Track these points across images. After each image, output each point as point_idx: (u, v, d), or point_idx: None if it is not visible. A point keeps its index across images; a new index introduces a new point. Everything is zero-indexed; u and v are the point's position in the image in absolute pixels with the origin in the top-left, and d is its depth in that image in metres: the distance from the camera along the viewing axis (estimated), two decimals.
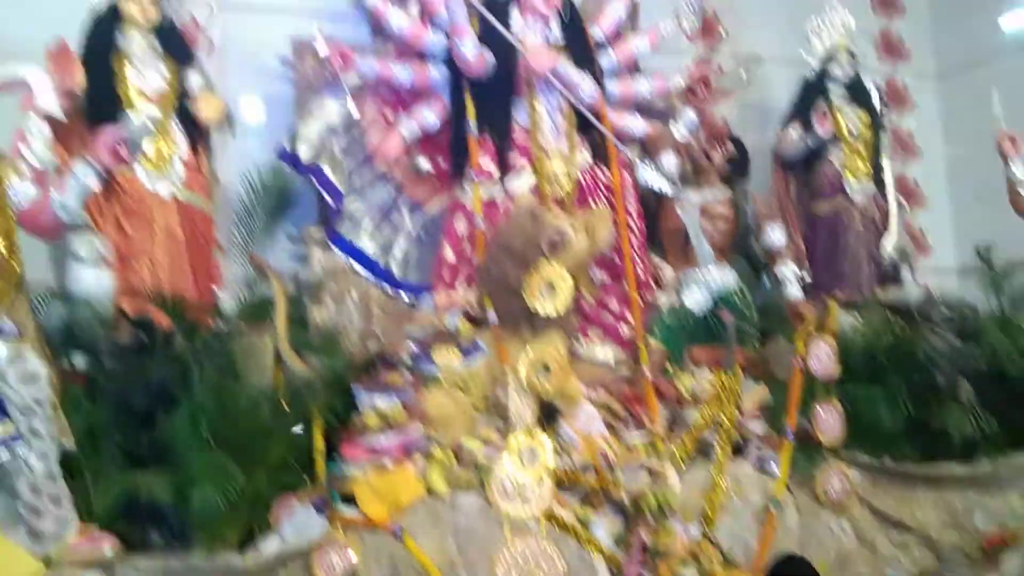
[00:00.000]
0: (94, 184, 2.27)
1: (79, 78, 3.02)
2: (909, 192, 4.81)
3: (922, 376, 3.49)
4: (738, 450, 3.42)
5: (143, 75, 3.22)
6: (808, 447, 3.39)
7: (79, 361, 2.82)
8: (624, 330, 3.73)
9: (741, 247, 3.99)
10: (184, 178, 3.26)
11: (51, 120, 2.46)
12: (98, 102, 3.10)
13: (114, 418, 2.56)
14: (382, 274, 3.68)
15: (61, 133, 2.92)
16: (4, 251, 2.22)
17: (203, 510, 2.50)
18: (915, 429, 3.48)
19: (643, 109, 4.19)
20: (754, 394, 3.62)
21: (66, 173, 2.32)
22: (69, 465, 2.39)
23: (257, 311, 3.32)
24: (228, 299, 3.40)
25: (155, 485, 2.48)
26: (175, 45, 3.36)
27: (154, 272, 3.14)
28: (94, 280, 2.97)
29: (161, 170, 3.19)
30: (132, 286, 3.07)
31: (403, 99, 3.75)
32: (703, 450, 3.42)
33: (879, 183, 4.35)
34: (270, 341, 3.16)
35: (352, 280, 3.63)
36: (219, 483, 2.51)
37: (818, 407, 3.39)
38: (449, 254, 3.65)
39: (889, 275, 4.29)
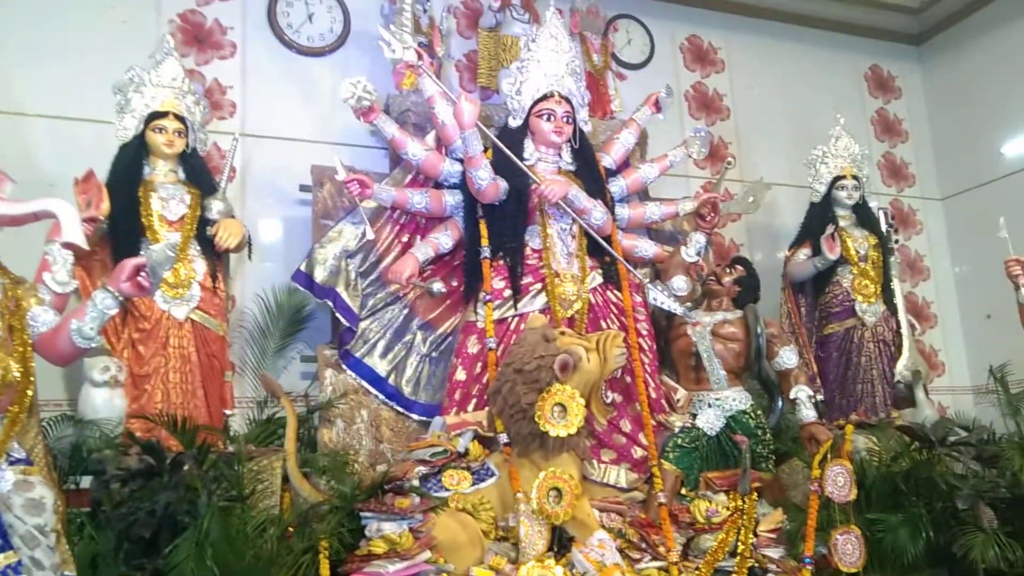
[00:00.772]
0: (114, 312, 2.31)
1: (105, 206, 3.14)
2: (920, 312, 4.83)
3: (942, 502, 3.42)
4: None
5: (166, 203, 3.34)
6: (827, 575, 3.29)
7: (85, 484, 2.82)
8: (637, 452, 3.69)
9: (753, 369, 3.98)
10: (200, 300, 3.32)
11: (74, 247, 2.52)
12: (122, 229, 3.21)
13: (119, 546, 2.52)
14: (392, 394, 3.68)
15: (83, 257, 3.01)
16: (19, 376, 2.24)
17: None
18: (937, 556, 3.38)
19: (653, 233, 4.28)
20: (770, 519, 3.54)
21: (86, 301, 2.36)
22: None
23: (267, 432, 3.33)
24: (239, 420, 3.41)
25: None
26: (198, 173, 3.49)
27: (166, 394, 3.17)
28: (106, 402, 2.99)
29: (178, 294, 3.26)
30: (143, 408, 3.09)
31: (419, 224, 3.85)
32: None
33: (889, 304, 4.37)
34: (279, 463, 3.15)
35: (363, 400, 3.63)
36: None
37: (836, 533, 3.31)
38: (461, 374, 3.66)
39: (902, 396, 4.25)
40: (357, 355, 3.66)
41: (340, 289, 3.65)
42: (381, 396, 3.66)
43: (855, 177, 4.52)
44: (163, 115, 3.38)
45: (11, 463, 2.22)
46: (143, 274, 2.34)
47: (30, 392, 2.31)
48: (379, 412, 3.65)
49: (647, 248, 4.13)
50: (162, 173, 3.42)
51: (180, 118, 3.42)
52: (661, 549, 3.39)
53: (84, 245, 2.55)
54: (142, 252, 3.01)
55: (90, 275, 3.17)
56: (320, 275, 3.64)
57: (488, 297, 3.66)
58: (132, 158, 3.37)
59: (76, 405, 3.07)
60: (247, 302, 3.74)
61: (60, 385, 3.33)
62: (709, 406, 3.83)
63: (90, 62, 3.77)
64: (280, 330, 3.67)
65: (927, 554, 3.36)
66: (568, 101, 3.81)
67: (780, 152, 5.14)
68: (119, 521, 2.56)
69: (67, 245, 2.48)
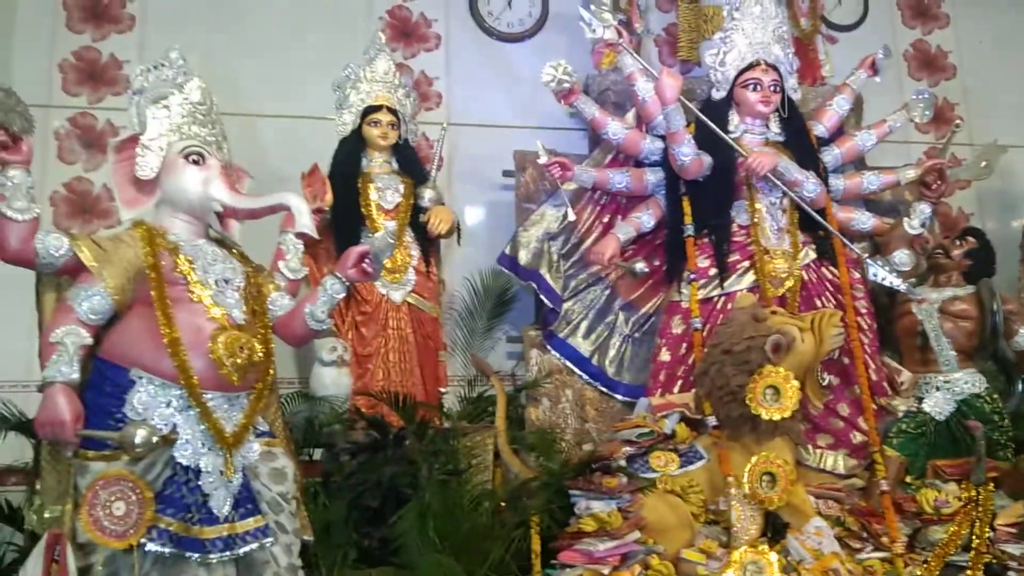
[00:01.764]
0: (342, 296, 2.48)
1: (329, 198, 3.36)
2: None
3: None
4: (992, 574, 3.07)
5: (383, 193, 3.53)
6: None
7: (317, 456, 3.05)
8: (856, 437, 3.50)
9: (988, 349, 3.66)
10: (415, 284, 3.49)
11: (305, 236, 2.72)
12: (344, 218, 3.44)
13: (348, 514, 2.71)
14: (596, 374, 3.71)
15: (310, 246, 3.24)
16: (263, 356, 2.45)
17: None
18: None
19: (871, 204, 4.02)
20: (1010, 511, 3.25)
21: (317, 286, 2.55)
22: (307, 557, 2.55)
23: (478, 410, 3.45)
24: (452, 398, 3.56)
25: None
26: (410, 163, 3.67)
27: (387, 373, 3.36)
28: (334, 380, 3.22)
29: (396, 278, 3.44)
30: (367, 386, 3.30)
31: (620, 204, 3.83)
32: (951, 573, 3.11)
33: None
34: (490, 440, 3.26)
35: (567, 380, 3.68)
36: None
37: None
38: (665, 355, 3.61)
39: None
40: (561, 335, 3.71)
41: (543, 271, 3.71)
42: (585, 376, 3.69)
43: None
44: (377, 109, 3.58)
45: (257, 435, 2.44)
46: (367, 261, 2.49)
47: (272, 371, 2.52)
48: (583, 392, 3.69)
49: (865, 220, 3.88)
50: (378, 164, 3.62)
51: (393, 111, 3.60)
52: (884, 539, 3.20)
53: (314, 235, 2.75)
54: (363, 240, 3.22)
55: (316, 262, 3.41)
56: (524, 258, 3.71)
57: (693, 276, 3.58)
58: (351, 151, 3.59)
59: (307, 383, 3.32)
60: (456, 285, 3.88)
61: (292, 364, 3.61)
62: (937, 389, 3.56)
63: (311, 63, 4.04)
64: (487, 312, 3.78)
65: None
66: (775, 69, 3.64)
67: (1015, 111, 4.66)
68: (349, 491, 2.75)
69: (299, 235, 2.68)
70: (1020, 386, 3.68)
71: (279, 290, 2.62)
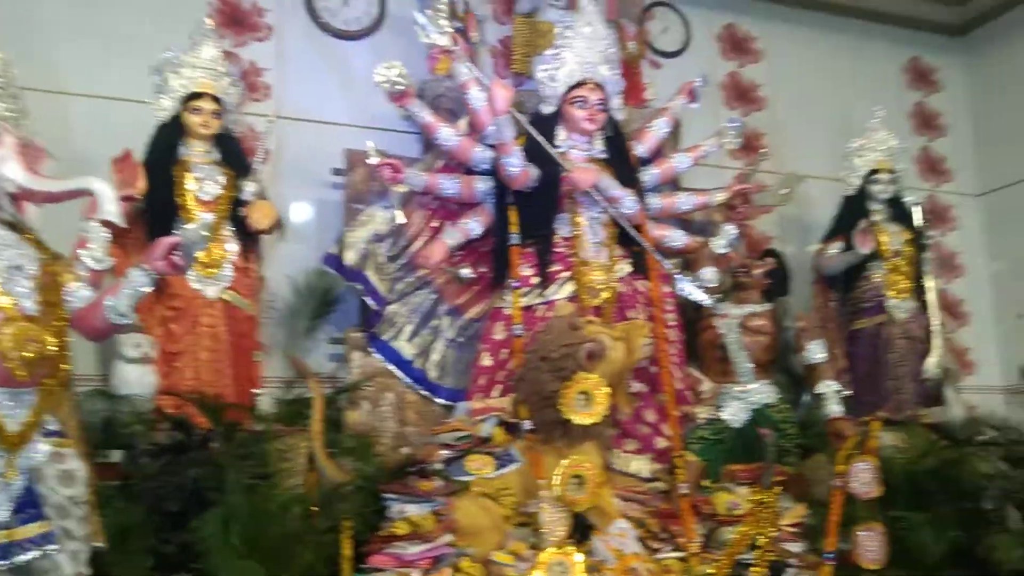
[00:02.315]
0: (148, 290, 2.36)
1: (141, 185, 3.19)
2: (952, 310, 4.77)
3: (968, 501, 3.40)
4: (775, 571, 3.32)
5: (201, 183, 3.39)
6: (848, 571, 3.28)
7: (116, 457, 2.88)
8: (660, 443, 3.69)
9: (781, 362, 3.96)
10: (232, 280, 3.37)
11: (111, 224, 2.57)
12: (157, 208, 3.27)
13: (147, 519, 2.59)
14: (418, 377, 3.72)
15: (119, 235, 3.06)
16: (55, 350, 2.29)
17: None
18: (960, 556, 3.36)
19: (683, 223, 4.26)
20: (793, 513, 3.53)
21: (121, 278, 2.41)
22: (99, 565, 2.41)
23: (294, 412, 3.37)
24: (267, 400, 3.46)
25: None
26: (233, 154, 3.54)
27: (196, 372, 3.22)
28: (137, 378, 3.05)
29: (211, 273, 3.31)
30: (174, 385, 3.15)
31: (449, 209, 3.86)
32: (739, 571, 3.34)
33: (921, 300, 4.32)
34: (305, 443, 3.20)
35: (389, 383, 3.67)
36: None
37: (859, 530, 3.29)
38: (487, 360, 3.68)
39: (932, 394, 4.21)
40: (384, 338, 3.69)
41: (369, 272, 3.68)
42: (407, 379, 3.70)
43: (891, 171, 4.47)
44: (200, 96, 3.43)
45: (46, 435, 2.28)
46: (177, 253, 2.38)
47: (65, 366, 2.36)
48: (405, 395, 3.69)
49: (677, 238, 4.11)
50: (197, 154, 3.47)
51: (216, 99, 3.46)
52: (681, 540, 3.40)
53: (121, 223, 2.60)
54: (176, 231, 3.07)
55: (125, 253, 3.22)
56: (350, 258, 3.67)
57: (516, 284, 3.67)
58: (168, 138, 3.42)
59: (109, 380, 3.13)
60: (278, 284, 3.77)
61: (93, 360, 3.39)
62: (735, 398, 3.82)
63: (129, 42, 3.82)
64: (309, 312, 3.70)
65: (950, 554, 3.34)
66: (602, 89, 3.80)
67: (816, 144, 5.08)
68: (148, 495, 2.62)
69: (104, 223, 2.53)
70: (807, 397, 4.01)
71: (79, 280, 2.45)
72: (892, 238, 4.36)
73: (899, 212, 4.46)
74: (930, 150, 5.54)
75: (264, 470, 2.86)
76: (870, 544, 3.29)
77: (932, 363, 4.21)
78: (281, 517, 2.82)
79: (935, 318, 4.32)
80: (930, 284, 4.36)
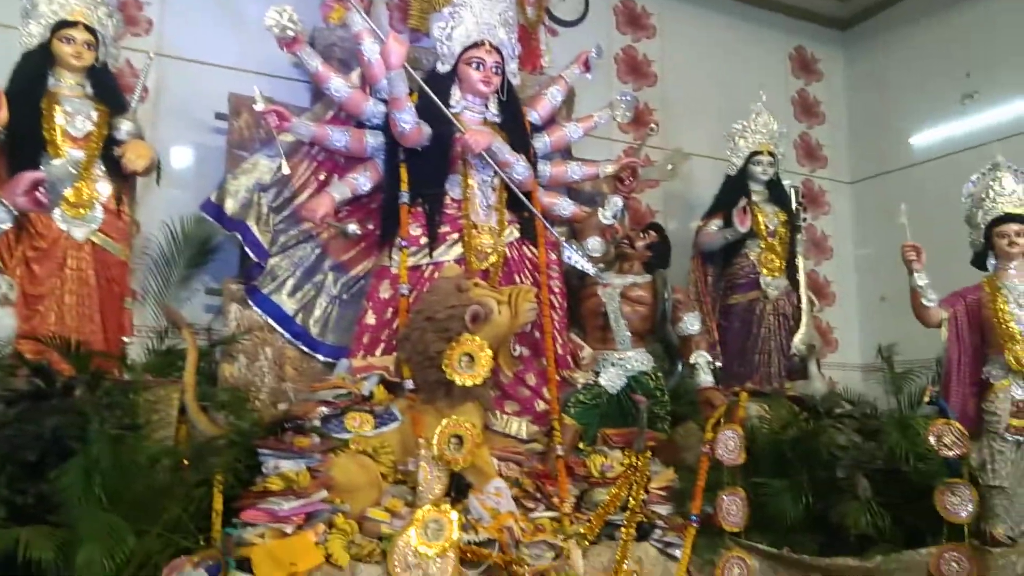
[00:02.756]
0: (7, 227, 2.21)
1: (3, 115, 2.97)
2: (820, 290, 5.02)
3: (824, 470, 3.59)
4: (643, 532, 3.45)
5: (71, 118, 3.18)
6: (711, 532, 3.44)
7: None
8: (539, 406, 3.75)
9: (658, 332, 4.08)
10: (102, 223, 3.20)
11: None
12: (21, 141, 3.05)
13: (1, 468, 2.44)
14: (299, 333, 3.64)
15: None
16: None
17: (87, 572, 2.39)
18: (814, 521, 3.56)
19: (572, 192, 4.31)
20: (662, 477, 3.66)
21: None
22: None
23: (165, 363, 3.25)
24: (137, 348, 3.32)
25: (38, 542, 2.36)
26: (107, 90, 3.34)
27: (61, 316, 3.05)
28: None
29: (79, 214, 3.12)
30: (35, 329, 2.97)
31: (337, 162, 3.77)
32: (609, 530, 3.46)
33: (792, 280, 4.52)
34: (176, 395, 3.09)
35: (268, 338, 3.58)
36: (107, 545, 2.40)
37: (723, 494, 3.45)
38: (371, 319, 3.64)
39: (797, 369, 4.43)
40: (264, 291, 3.59)
41: (250, 223, 3.57)
42: (287, 335, 3.61)
43: (771, 154, 4.63)
44: (72, 25, 3.21)
45: None
46: (41, 189, 2.24)
47: None
48: (284, 351, 3.61)
49: (566, 207, 4.16)
50: (68, 86, 3.25)
51: (90, 30, 3.25)
52: (555, 500, 3.48)
53: None
54: (42, 167, 2.88)
55: None
56: (231, 207, 3.55)
57: (404, 243, 3.63)
58: (36, 67, 3.20)
59: None
60: (152, 229, 3.60)
61: None
62: (612, 365, 3.91)
63: None
64: (185, 260, 3.55)
65: (806, 518, 3.53)
66: (499, 51, 3.77)
67: (702, 123, 5.22)
68: (2, 443, 2.47)
69: None
70: (680, 367, 4.15)
71: None
72: (769, 218, 4.54)
73: (777, 194, 4.65)
74: (808, 136, 5.79)
75: (132, 421, 2.74)
76: (732, 508, 3.45)
77: (798, 339, 4.42)
78: (149, 470, 2.72)
79: (804, 297, 4.54)
80: (801, 265, 4.57)
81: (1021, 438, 3.41)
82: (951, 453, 3.36)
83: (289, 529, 2.95)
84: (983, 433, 3.42)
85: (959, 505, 3.32)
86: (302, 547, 2.93)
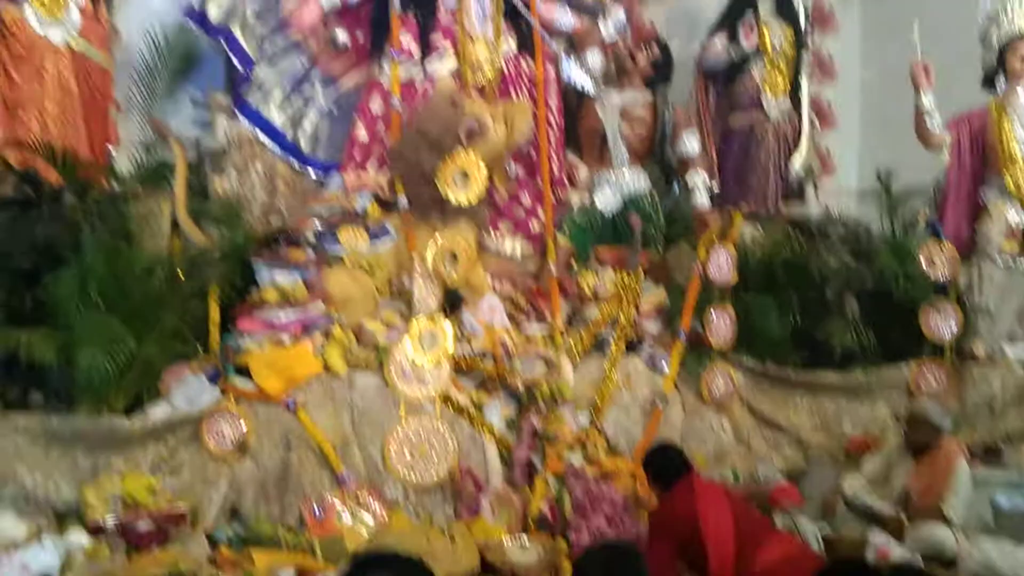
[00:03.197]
0: None
1: None
2: (822, 113, 4.88)
3: (813, 290, 3.65)
4: (632, 347, 3.54)
5: None
6: (698, 349, 3.53)
7: None
8: (534, 225, 3.74)
9: (656, 152, 4.02)
10: (80, 27, 3.06)
11: None
12: None
13: None
14: (289, 148, 3.58)
15: None
16: None
17: (89, 372, 2.46)
18: (800, 338, 3.65)
19: (573, 4, 4.10)
20: (653, 296, 3.71)
21: None
22: None
23: (154, 175, 3.20)
24: (124, 160, 3.26)
25: (38, 344, 2.42)
26: None
27: (44, 124, 2.96)
28: None
29: (54, 15, 2.97)
30: (19, 137, 2.89)
31: None
32: (599, 345, 3.54)
33: (795, 101, 4.40)
34: (167, 207, 3.07)
35: (257, 152, 3.51)
36: (107, 346, 2.46)
37: (712, 312, 3.51)
38: (362, 133, 3.56)
39: (794, 191, 4.39)
40: (252, 104, 3.50)
41: (235, 29, 3.42)
42: (277, 149, 3.55)
43: None
44: None
45: None
46: None
47: None
48: (275, 166, 3.55)
49: (566, 20, 3.96)
50: None
51: None
52: (548, 316, 3.55)
53: None
54: None
55: None
56: (214, 13, 3.40)
57: (395, 54, 3.49)
58: None
59: None
60: (134, 37, 3.44)
61: None
62: (608, 185, 3.87)
63: None
64: (170, 70, 3.41)
65: (792, 336, 3.62)
66: None
67: None
68: None
69: None
70: (677, 188, 4.11)
71: None
72: (775, 34, 4.35)
73: (785, 10, 4.43)
74: None
75: (124, 231, 2.73)
76: (721, 325, 3.52)
77: (797, 161, 4.36)
78: (143, 279, 2.74)
79: (805, 119, 4.43)
80: (805, 85, 4.43)
81: (1011, 261, 3.43)
82: (940, 275, 3.39)
83: (286, 339, 3.03)
84: (973, 255, 3.44)
85: (943, 324, 3.39)
86: (300, 356, 3.02)
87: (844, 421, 3.51)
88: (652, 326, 3.64)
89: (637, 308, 3.62)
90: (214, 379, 2.87)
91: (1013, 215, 3.42)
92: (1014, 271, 3.46)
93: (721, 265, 3.55)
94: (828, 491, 2.93)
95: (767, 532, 2.22)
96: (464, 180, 3.33)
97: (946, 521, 2.70)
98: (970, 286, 3.43)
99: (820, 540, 2.68)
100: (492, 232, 3.68)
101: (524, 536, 2.61)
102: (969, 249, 3.48)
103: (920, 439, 2.79)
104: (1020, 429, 3.32)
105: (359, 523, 2.67)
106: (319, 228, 3.30)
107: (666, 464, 2.30)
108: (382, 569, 1.00)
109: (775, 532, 2.25)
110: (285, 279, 3.03)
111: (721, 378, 3.48)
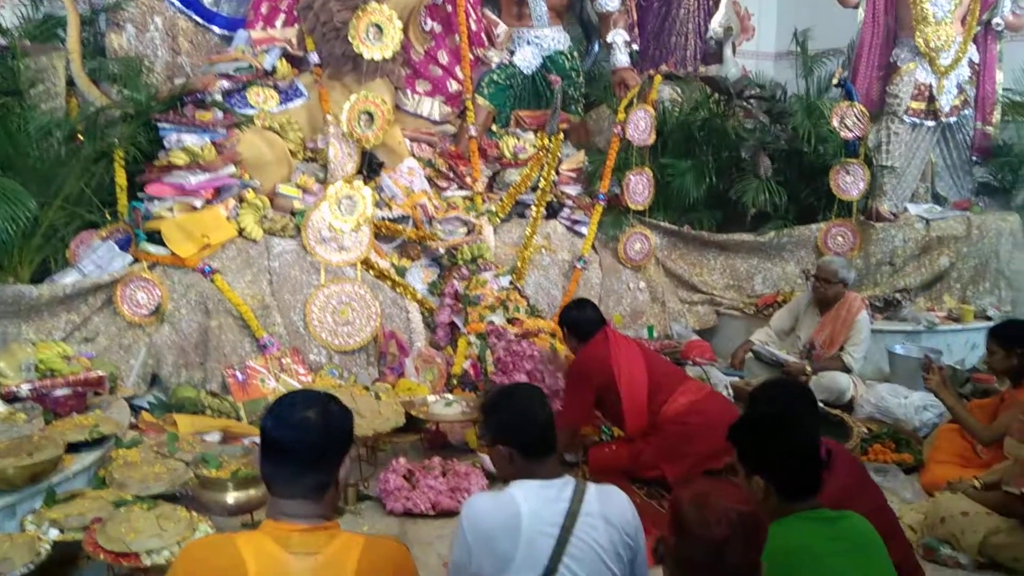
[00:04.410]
0: None
1: None
2: None
3: (729, 151, 3.69)
4: (552, 210, 3.56)
5: None
6: (617, 211, 3.57)
7: None
8: (452, 86, 3.64)
9: (575, 10, 3.91)
10: None
11: None
12: None
13: None
14: (191, 3, 3.35)
15: None
16: None
17: None
18: (715, 200, 3.72)
19: None
20: (573, 159, 3.70)
21: None
22: None
23: (43, 30, 2.98)
24: (8, 16, 3.01)
25: None
26: None
27: None
28: None
29: None
30: None
31: None
32: (519, 209, 3.55)
33: None
34: (61, 65, 2.87)
35: (156, 6, 3.28)
36: (6, 210, 2.33)
37: (630, 174, 3.53)
38: None
39: (712, 53, 4.37)
40: None
41: None
42: (177, 3, 3.32)
43: None
44: None
45: None
46: None
47: None
48: (176, 21, 3.33)
49: None
50: None
51: None
52: (468, 180, 3.51)
53: None
54: None
55: None
56: None
57: None
58: None
59: None
60: None
61: None
62: (528, 43, 3.77)
63: None
64: None
65: (707, 197, 3.68)
66: None
67: None
68: None
69: None
70: (597, 47, 4.04)
71: None
72: None
73: None
74: None
75: (15, 88, 2.56)
76: (639, 187, 3.55)
77: (716, 22, 4.32)
78: (41, 141, 2.59)
79: None
80: None
81: (917, 120, 3.53)
82: (851, 134, 3.47)
83: (198, 203, 2.93)
84: (883, 115, 3.51)
85: (851, 184, 3.50)
86: (213, 221, 2.93)
87: (756, 279, 3.65)
88: (572, 189, 3.65)
89: (557, 171, 3.61)
90: (125, 246, 2.78)
91: (922, 74, 3.48)
92: (920, 130, 3.56)
93: (640, 126, 3.55)
94: (738, 345, 3.06)
95: (678, 380, 2.31)
96: (378, 34, 3.20)
97: (846, 369, 2.88)
98: (879, 146, 3.52)
99: (729, 388, 2.83)
100: (409, 92, 3.57)
101: (448, 394, 2.67)
102: (879, 109, 3.55)
103: (826, 294, 2.93)
104: (918, 283, 3.51)
105: (283, 387, 2.68)
106: (226, 87, 3.14)
107: (582, 318, 2.35)
108: (308, 407, 1.01)
109: (686, 379, 2.35)
110: (193, 141, 2.89)
111: (638, 241, 3.54)
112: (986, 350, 2.41)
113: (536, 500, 1.23)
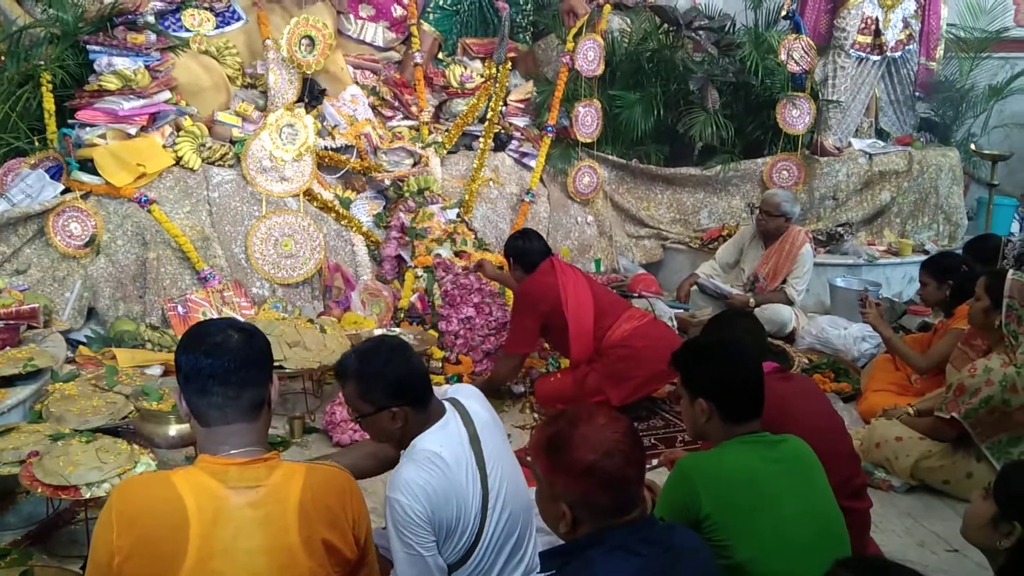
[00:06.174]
0: None
1: None
2: None
3: (677, 83, 3.66)
4: (500, 142, 3.51)
5: None
6: (565, 143, 3.54)
7: None
8: (396, 11, 3.53)
9: None
10: None
11: None
12: None
13: None
14: None
15: None
16: None
17: None
18: (663, 134, 3.71)
19: None
20: (521, 89, 3.64)
21: None
22: None
23: None
24: None
25: None
26: None
27: None
28: None
29: None
30: None
31: None
32: (466, 140, 3.49)
33: None
34: None
35: None
36: None
37: (579, 106, 3.49)
38: None
39: None
40: None
41: None
42: None
43: None
44: None
45: None
46: None
47: None
48: None
49: None
50: None
51: None
52: (414, 109, 3.43)
53: None
54: None
55: None
56: None
57: None
58: None
59: None
60: None
61: None
62: None
63: None
64: None
65: (655, 130, 3.67)
66: None
67: None
68: None
69: None
70: None
71: None
72: None
73: None
74: None
75: None
76: (587, 119, 3.52)
77: None
78: None
79: None
80: None
81: (863, 55, 3.54)
82: (798, 68, 3.47)
83: (133, 131, 2.81)
84: (830, 49, 3.51)
85: (797, 118, 3.51)
86: (149, 149, 2.82)
87: (701, 213, 3.67)
88: (520, 120, 3.60)
89: (505, 102, 3.56)
90: (56, 174, 2.67)
91: (869, 7, 3.48)
92: (865, 64, 3.58)
93: (589, 56, 3.50)
94: (683, 279, 3.09)
95: (623, 307, 2.33)
96: None
97: (789, 302, 2.94)
98: (825, 79, 3.53)
99: (674, 320, 2.86)
100: (351, 16, 3.45)
101: (396, 327, 2.65)
102: (827, 42, 3.55)
103: (768, 227, 2.96)
104: (860, 217, 3.57)
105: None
106: (160, 7, 3.00)
107: (528, 248, 2.34)
108: (218, 331, 0.97)
109: (631, 307, 2.37)
110: (125, 65, 2.76)
111: (587, 174, 3.52)
112: (919, 282, 2.50)
113: (448, 443, 1.25)
